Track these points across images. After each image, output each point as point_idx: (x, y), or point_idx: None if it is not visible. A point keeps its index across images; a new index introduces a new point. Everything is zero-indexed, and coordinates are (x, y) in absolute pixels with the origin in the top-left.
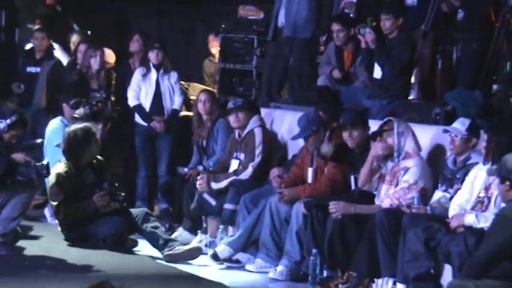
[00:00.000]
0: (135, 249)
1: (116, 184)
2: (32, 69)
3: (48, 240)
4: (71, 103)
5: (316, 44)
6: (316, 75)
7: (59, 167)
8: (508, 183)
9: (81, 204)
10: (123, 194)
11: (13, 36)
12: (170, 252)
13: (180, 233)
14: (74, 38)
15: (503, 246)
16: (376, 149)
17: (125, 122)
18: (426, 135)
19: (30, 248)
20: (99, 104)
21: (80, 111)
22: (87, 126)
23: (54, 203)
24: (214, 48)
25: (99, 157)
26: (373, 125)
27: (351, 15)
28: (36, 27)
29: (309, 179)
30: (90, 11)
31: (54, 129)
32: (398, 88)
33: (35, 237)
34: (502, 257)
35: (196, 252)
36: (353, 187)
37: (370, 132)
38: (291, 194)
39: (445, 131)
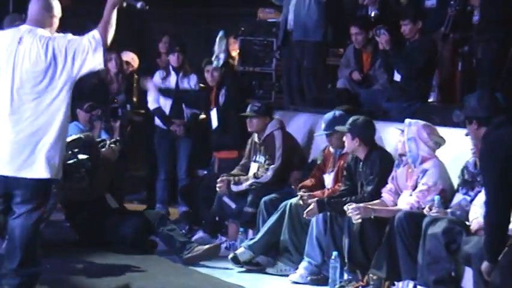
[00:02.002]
0: (155, 251)
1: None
2: None
3: (70, 243)
4: (85, 107)
5: (327, 46)
6: (330, 77)
7: None
8: (475, 121)
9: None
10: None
11: None
12: (189, 255)
13: (200, 235)
14: None
15: (501, 174)
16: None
17: (148, 125)
18: (446, 137)
19: (52, 251)
20: (115, 100)
21: (96, 112)
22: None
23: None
24: (234, 51)
25: None
26: (392, 128)
27: (373, 13)
28: None
29: (328, 184)
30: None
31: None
32: (418, 90)
33: (57, 240)
34: (507, 186)
35: (214, 251)
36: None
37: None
38: (310, 199)
39: (468, 134)
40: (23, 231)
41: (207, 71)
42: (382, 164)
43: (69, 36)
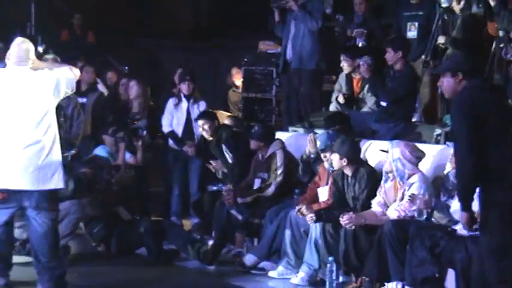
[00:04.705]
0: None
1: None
2: (78, 100)
3: (95, 255)
4: (110, 132)
5: (321, 73)
6: (324, 101)
7: None
8: (460, 73)
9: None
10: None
11: None
12: (207, 258)
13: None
14: (110, 75)
15: (470, 127)
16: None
17: (163, 147)
18: (428, 153)
19: (78, 261)
20: (135, 121)
21: (120, 134)
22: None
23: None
24: (238, 80)
25: None
26: (381, 145)
27: (361, 43)
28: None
29: (321, 198)
30: (122, 46)
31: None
32: (403, 112)
33: (83, 252)
34: (476, 136)
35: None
36: None
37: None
38: (309, 211)
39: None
40: (43, 226)
41: (200, 126)
42: (369, 179)
43: (49, 70)
